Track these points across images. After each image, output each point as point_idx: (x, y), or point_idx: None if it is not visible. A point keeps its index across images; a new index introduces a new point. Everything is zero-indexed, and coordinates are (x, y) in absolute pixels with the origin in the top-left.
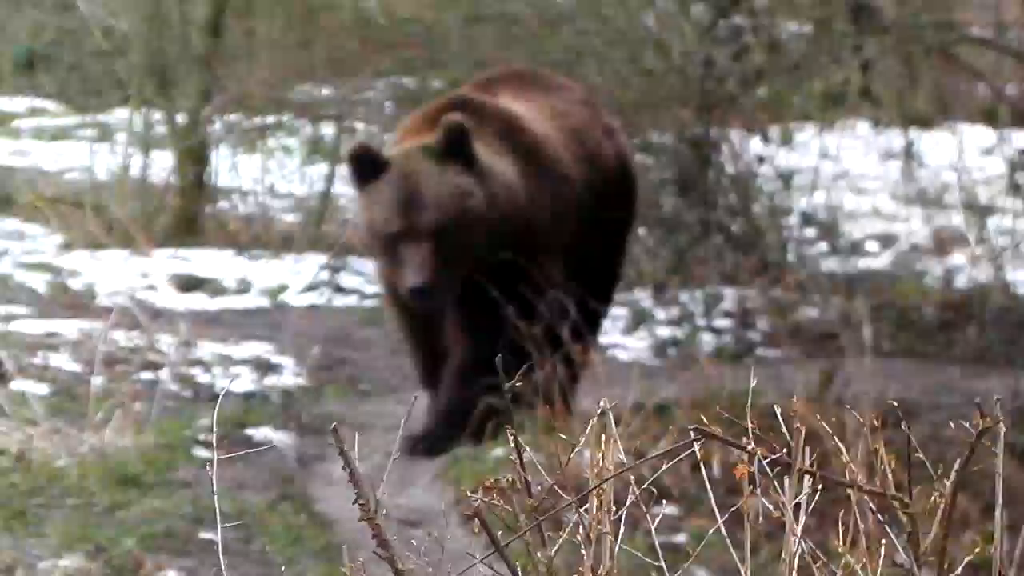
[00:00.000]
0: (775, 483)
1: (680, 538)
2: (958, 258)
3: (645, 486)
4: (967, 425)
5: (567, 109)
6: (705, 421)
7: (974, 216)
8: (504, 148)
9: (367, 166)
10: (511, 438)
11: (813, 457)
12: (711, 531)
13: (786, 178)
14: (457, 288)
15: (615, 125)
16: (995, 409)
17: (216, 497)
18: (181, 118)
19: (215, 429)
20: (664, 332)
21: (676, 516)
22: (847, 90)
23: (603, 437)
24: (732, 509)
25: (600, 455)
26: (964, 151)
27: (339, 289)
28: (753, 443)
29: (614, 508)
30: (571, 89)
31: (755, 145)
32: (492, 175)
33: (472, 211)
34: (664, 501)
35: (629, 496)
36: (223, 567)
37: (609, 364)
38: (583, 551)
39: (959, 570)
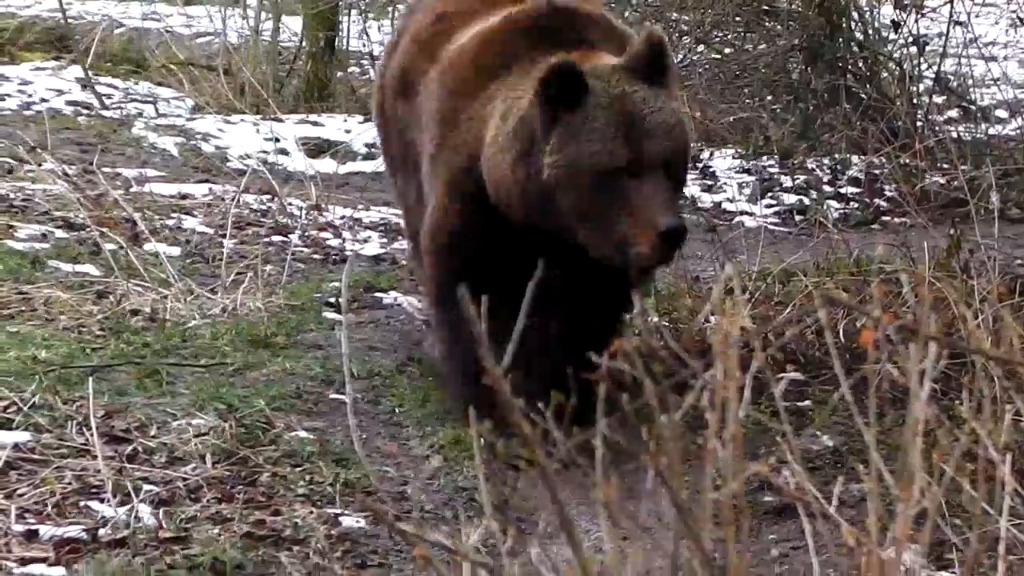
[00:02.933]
0: (901, 349)
1: (804, 403)
2: None
3: (770, 352)
4: None
5: None
6: (831, 288)
7: None
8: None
9: (570, 90)
10: (635, 300)
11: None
12: (835, 396)
13: (917, 44)
14: None
15: None
16: None
17: (346, 358)
18: None
19: (345, 292)
20: (790, 199)
21: (800, 382)
22: None
23: (729, 303)
24: (857, 375)
25: (725, 321)
26: None
27: None
28: (879, 309)
29: (739, 373)
30: None
31: (886, 11)
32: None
33: (688, 141)
34: (789, 367)
35: (754, 362)
36: (353, 427)
37: (735, 231)
38: (708, 416)
39: None
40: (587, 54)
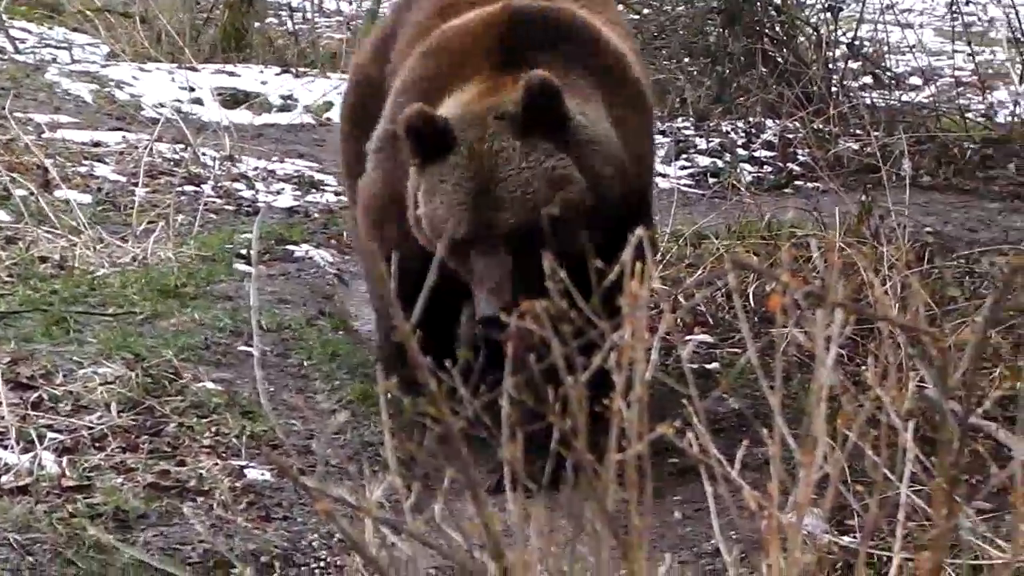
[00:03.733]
0: (808, 315)
1: (712, 366)
2: (1001, 94)
3: (680, 314)
4: (1002, 261)
5: (627, 27)
6: (742, 251)
7: (1018, 51)
8: (592, 86)
9: (432, 139)
10: (548, 264)
11: (848, 289)
12: (743, 360)
13: (833, 9)
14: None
15: None
16: None
17: (254, 311)
18: None
19: (256, 244)
20: (705, 161)
21: (709, 344)
22: None
23: (639, 264)
24: (765, 339)
25: (635, 282)
26: None
27: None
28: (788, 274)
29: (647, 335)
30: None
31: None
32: (590, 140)
33: (568, 202)
34: (697, 329)
35: (662, 324)
36: (260, 380)
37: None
38: (615, 377)
39: (988, 405)
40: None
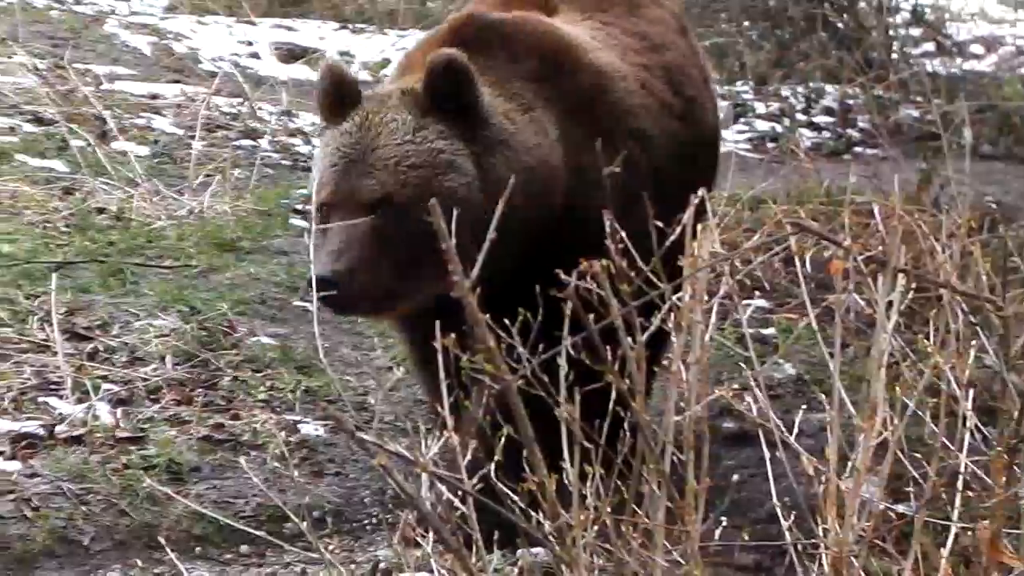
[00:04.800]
0: (868, 280)
1: (769, 331)
2: None
3: (738, 277)
4: None
5: (659, 39)
6: (801, 215)
7: None
8: (542, 98)
9: (337, 101)
10: (607, 223)
11: (908, 257)
12: (801, 325)
13: None
14: (421, 299)
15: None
16: None
17: (312, 266)
18: None
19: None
20: (763, 126)
21: (766, 309)
22: None
23: (698, 227)
24: (823, 304)
25: (695, 245)
26: None
27: None
28: (848, 239)
29: (706, 297)
30: (661, 6)
31: None
32: (503, 142)
33: (448, 190)
34: (756, 293)
35: (722, 287)
36: (316, 335)
37: None
38: (674, 338)
39: None
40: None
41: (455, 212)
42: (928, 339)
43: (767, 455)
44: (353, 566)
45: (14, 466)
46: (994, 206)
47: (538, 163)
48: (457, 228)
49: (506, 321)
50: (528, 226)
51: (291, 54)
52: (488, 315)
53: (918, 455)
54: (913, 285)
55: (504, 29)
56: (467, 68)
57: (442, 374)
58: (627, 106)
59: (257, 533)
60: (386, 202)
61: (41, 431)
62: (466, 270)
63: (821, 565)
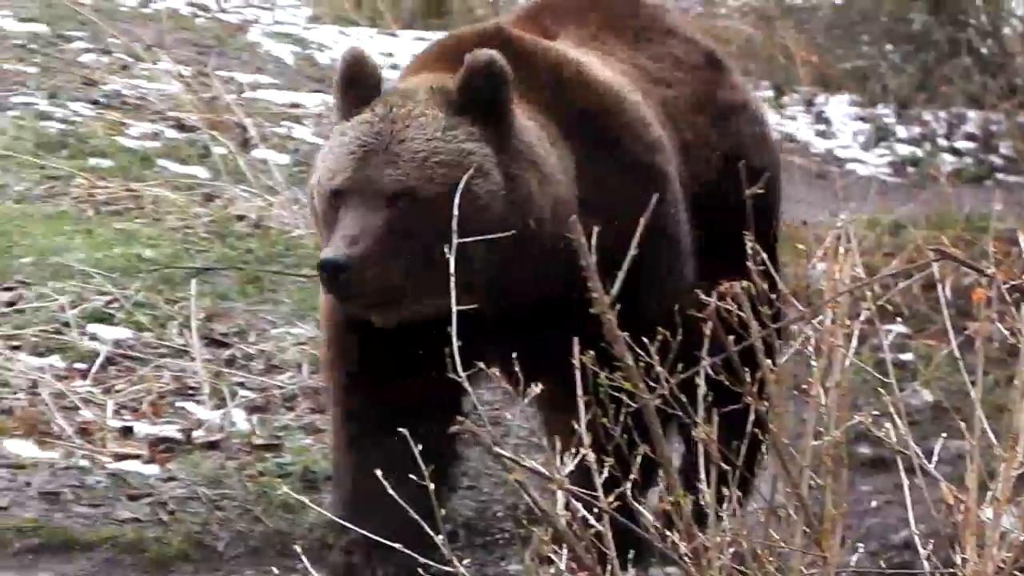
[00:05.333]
0: (1011, 309)
1: (907, 356)
2: None
3: (878, 303)
4: None
5: (657, 74)
6: (944, 242)
7: None
8: (554, 120)
9: (358, 90)
10: (748, 244)
11: None
12: (943, 353)
13: None
14: (425, 308)
15: (749, 97)
16: None
17: (452, 278)
18: None
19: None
20: (904, 150)
21: (905, 334)
22: None
23: (839, 251)
24: (964, 332)
25: (836, 269)
26: None
27: None
28: (992, 267)
29: (846, 322)
30: (686, 38)
31: None
32: (529, 157)
33: (473, 194)
34: (897, 319)
35: (862, 311)
36: (455, 346)
37: (846, 179)
38: (813, 362)
39: None
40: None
41: (477, 218)
42: None
43: (905, 482)
44: None
45: (152, 470)
46: None
47: (564, 187)
48: (474, 234)
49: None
50: (548, 258)
51: None
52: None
53: None
54: None
55: (519, 48)
56: (506, 73)
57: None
58: (649, 141)
59: (392, 544)
60: (409, 195)
61: (179, 435)
62: (467, 279)
63: None
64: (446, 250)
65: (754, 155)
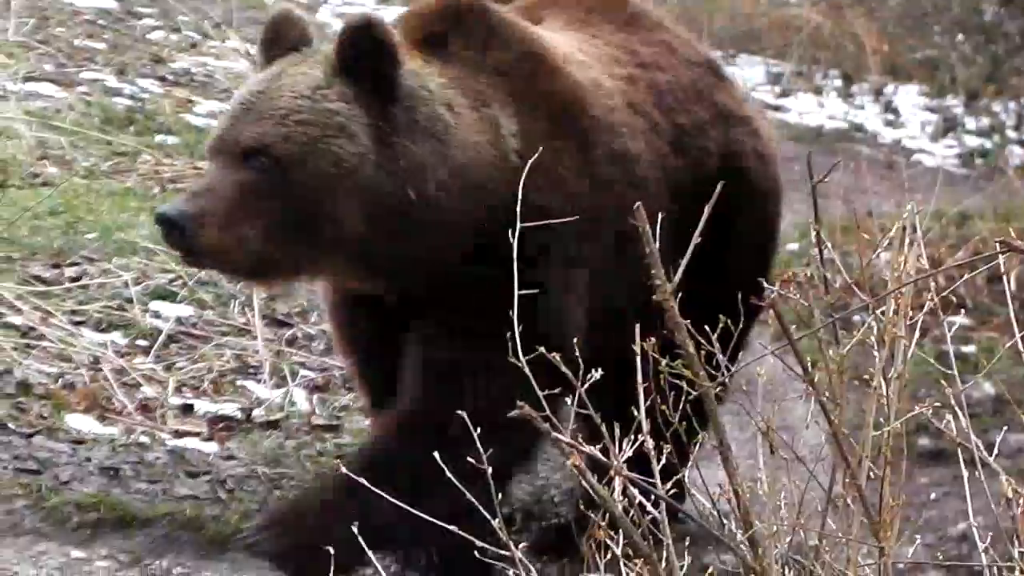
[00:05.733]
0: None
1: (969, 348)
2: None
3: (942, 295)
4: None
5: (650, 58)
6: (1011, 234)
7: None
8: (504, 95)
9: (276, 47)
10: (813, 232)
11: None
12: (1007, 345)
13: None
14: (305, 275)
15: (751, 113)
16: None
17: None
18: None
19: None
20: (973, 141)
21: (968, 326)
22: None
23: (903, 242)
24: None
25: (900, 260)
26: None
27: None
28: None
29: (909, 313)
30: (679, 35)
31: None
32: (437, 134)
33: (334, 155)
34: (960, 311)
35: (925, 303)
36: (515, 323)
37: (913, 169)
38: (875, 353)
39: None
40: None
41: (339, 182)
42: None
43: (964, 474)
44: (539, 565)
45: (211, 448)
46: None
47: (473, 163)
48: (338, 199)
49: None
50: (462, 228)
51: None
52: (435, 313)
53: None
54: None
55: (491, 20)
56: (385, 38)
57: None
58: (603, 124)
59: (446, 526)
60: (263, 153)
61: (239, 414)
62: (342, 252)
63: None
64: (308, 213)
65: (754, 169)
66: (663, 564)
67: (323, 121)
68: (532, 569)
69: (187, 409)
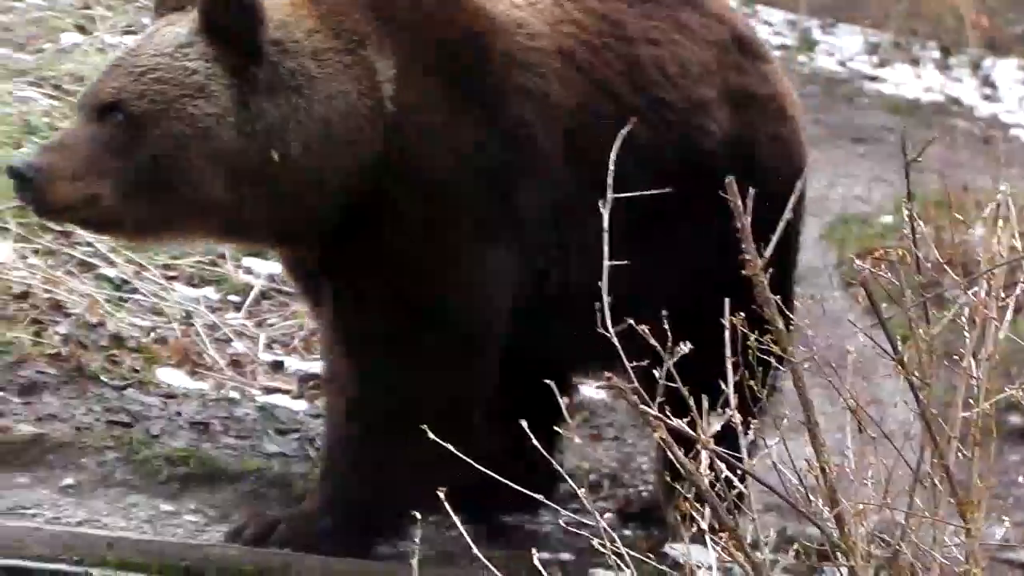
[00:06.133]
0: None
1: None
2: None
3: None
4: None
5: (637, 33)
6: None
7: None
8: (382, 35)
9: (163, 6)
10: (906, 211)
11: None
12: None
13: None
14: (177, 235)
15: (778, 92)
16: None
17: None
18: None
19: None
20: None
21: None
22: None
23: (998, 220)
24: None
25: (995, 238)
26: None
27: None
28: None
29: (1002, 294)
30: (711, 14)
31: None
32: (299, 88)
33: (189, 116)
34: None
35: (1019, 282)
36: (605, 297)
37: (1010, 144)
38: (966, 333)
39: None
40: None
41: (194, 143)
42: None
43: None
44: (628, 532)
45: (300, 405)
46: None
47: (339, 116)
48: (193, 160)
49: None
50: (332, 188)
51: None
52: (330, 277)
53: None
54: None
55: None
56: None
57: None
58: (518, 60)
59: (529, 493)
60: (118, 109)
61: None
62: (206, 214)
63: None
64: (163, 172)
65: (768, 154)
66: (747, 538)
67: (180, 80)
68: (616, 537)
69: (277, 366)
